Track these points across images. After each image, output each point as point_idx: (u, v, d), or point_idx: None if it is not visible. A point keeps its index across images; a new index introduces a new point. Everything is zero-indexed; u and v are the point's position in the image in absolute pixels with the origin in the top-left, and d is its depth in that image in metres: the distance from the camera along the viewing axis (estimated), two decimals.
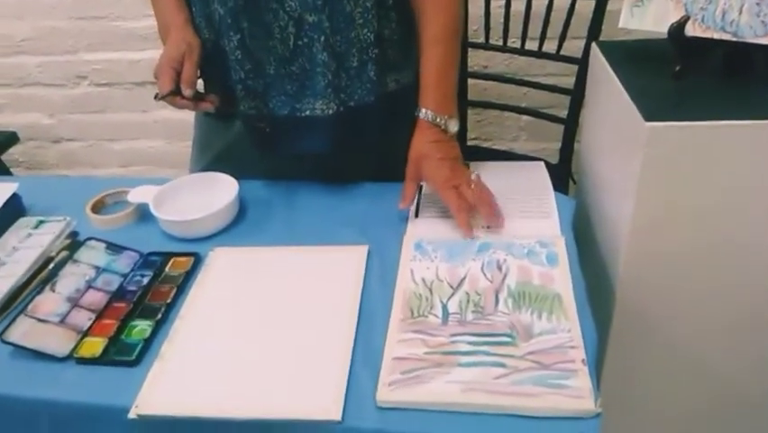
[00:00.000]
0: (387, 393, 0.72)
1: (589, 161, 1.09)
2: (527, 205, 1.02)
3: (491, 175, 1.10)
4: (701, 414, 0.95)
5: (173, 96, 0.98)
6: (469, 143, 1.88)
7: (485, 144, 2.02)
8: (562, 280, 0.86)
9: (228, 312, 0.86)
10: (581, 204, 1.02)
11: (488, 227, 0.95)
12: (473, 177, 0.97)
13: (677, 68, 0.88)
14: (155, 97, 0.98)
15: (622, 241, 0.88)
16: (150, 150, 2.09)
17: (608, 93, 0.94)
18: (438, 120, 0.97)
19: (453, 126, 0.98)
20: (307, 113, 1.02)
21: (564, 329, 0.79)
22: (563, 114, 1.65)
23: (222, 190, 1.04)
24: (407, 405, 0.71)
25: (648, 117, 0.80)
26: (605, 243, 0.96)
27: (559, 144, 1.86)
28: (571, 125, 1.60)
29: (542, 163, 1.17)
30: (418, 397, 0.71)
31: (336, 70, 0.99)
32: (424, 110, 0.98)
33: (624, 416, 0.92)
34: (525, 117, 1.94)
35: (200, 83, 1.04)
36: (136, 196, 1.04)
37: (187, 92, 0.97)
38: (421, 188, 1.08)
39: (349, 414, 0.71)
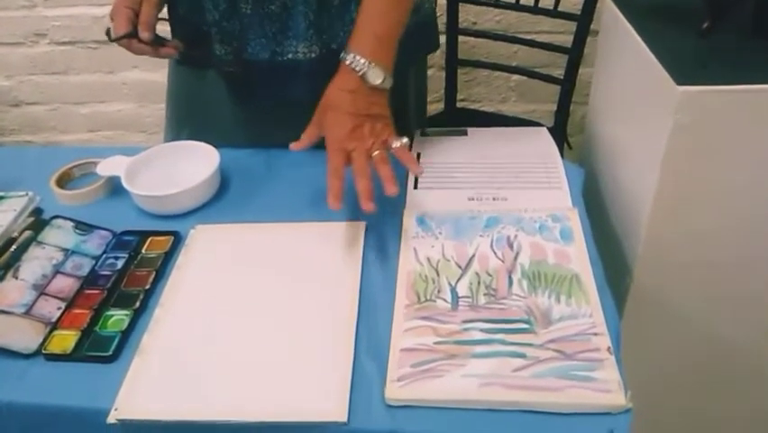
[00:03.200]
0: (396, 390, 0.65)
1: (599, 127, 1.02)
2: (534, 175, 0.95)
3: (491, 142, 1.03)
4: (717, 401, 0.91)
5: (129, 39, 0.87)
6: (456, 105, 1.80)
7: (472, 106, 1.93)
8: (579, 258, 0.79)
9: (214, 299, 0.78)
10: (589, 173, 0.95)
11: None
12: (397, 144, 0.82)
13: (705, 24, 0.81)
14: (108, 37, 0.88)
15: (643, 216, 0.82)
16: (120, 113, 1.96)
17: (626, 52, 0.86)
18: (357, 65, 0.81)
19: (375, 77, 0.81)
20: (289, 56, 0.92)
21: (585, 314, 0.72)
22: (557, 73, 1.57)
23: (201, 161, 0.95)
24: (419, 403, 0.65)
25: (680, 80, 0.73)
26: (621, 217, 0.90)
27: (550, 106, 1.79)
28: (567, 86, 1.52)
29: (544, 129, 1.09)
30: (431, 394, 0.65)
31: (318, 10, 0.89)
32: (348, 53, 0.82)
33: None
34: (515, 77, 1.85)
35: (166, 28, 0.94)
36: (106, 168, 0.94)
37: (144, 35, 0.87)
38: (419, 155, 1.01)
39: (355, 414, 0.64)
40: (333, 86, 0.83)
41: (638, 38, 0.82)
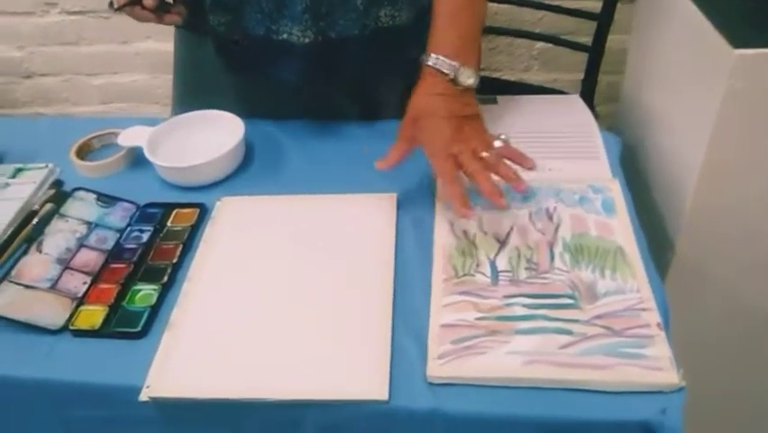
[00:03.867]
0: (438, 368, 0.63)
1: (638, 95, 0.97)
2: (570, 144, 0.91)
3: (522, 110, 0.99)
4: (762, 375, 0.88)
5: (132, 5, 0.84)
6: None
7: (494, 75, 1.88)
8: (622, 230, 0.76)
9: (243, 273, 0.75)
10: (627, 143, 0.92)
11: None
12: (498, 142, 0.78)
13: None
14: (110, 6, 0.84)
15: (688, 187, 0.78)
16: (134, 84, 1.92)
17: (673, 16, 0.81)
18: (447, 67, 0.76)
19: (467, 78, 0.77)
20: (284, 36, 0.87)
21: (632, 289, 0.69)
22: (584, 40, 1.52)
23: (225, 131, 0.91)
24: (462, 381, 0.62)
25: (736, 43, 0.68)
26: (662, 188, 0.86)
27: (573, 75, 1.74)
28: (595, 54, 1.47)
29: (577, 96, 1.05)
30: (474, 372, 0.62)
31: None
32: (431, 55, 0.77)
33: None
34: (538, 45, 1.80)
35: None
36: (127, 138, 0.91)
37: (147, 1, 0.83)
38: None
39: (396, 393, 0.62)
40: (421, 92, 0.78)
41: (688, 0, 0.77)
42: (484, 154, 0.75)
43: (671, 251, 0.84)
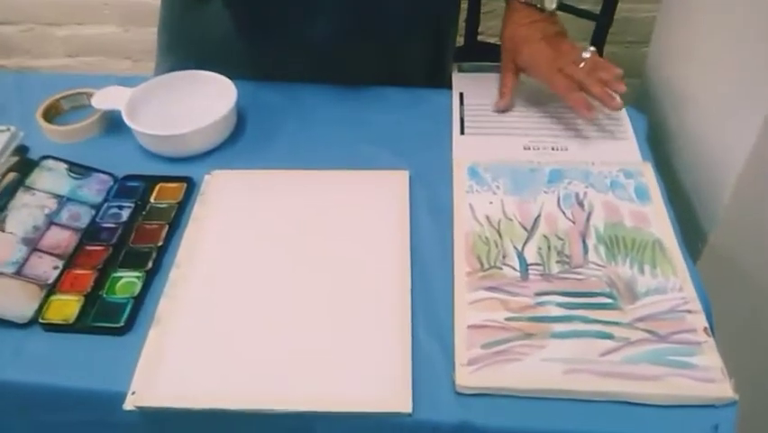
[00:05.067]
0: (468, 376, 0.56)
1: (667, 71, 0.90)
2: (596, 122, 0.83)
3: (528, 80, 0.90)
4: None
5: None
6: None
7: (491, 40, 1.79)
8: (658, 220, 0.70)
9: (239, 258, 0.67)
10: (652, 121, 0.84)
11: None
12: (586, 54, 0.80)
13: None
14: None
15: (730, 174, 0.72)
16: (102, 37, 1.77)
17: None
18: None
19: (550, 3, 0.82)
20: None
21: (675, 287, 0.63)
22: (590, 7, 1.44)
23: (213, 94, 0.81)
24: (495, 391, 0.55)
25: None
26: (696, 174, 0.79)
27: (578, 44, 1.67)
28: (604, 22, 1.39)
29: None
30: (509, 381, 0.55)
31: None
32: None
33: None
34: None
35: None
36: (103, 100, 0.81)
37: None
38: (462, 96, 0.88)
39: (420, 404, 0.54)
40: (513, 24, 0.84)
41: None
42: (581, 65, 0.79)
43: (702, 241, 0.77)
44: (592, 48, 0.81)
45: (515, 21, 0.83)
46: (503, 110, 0.84)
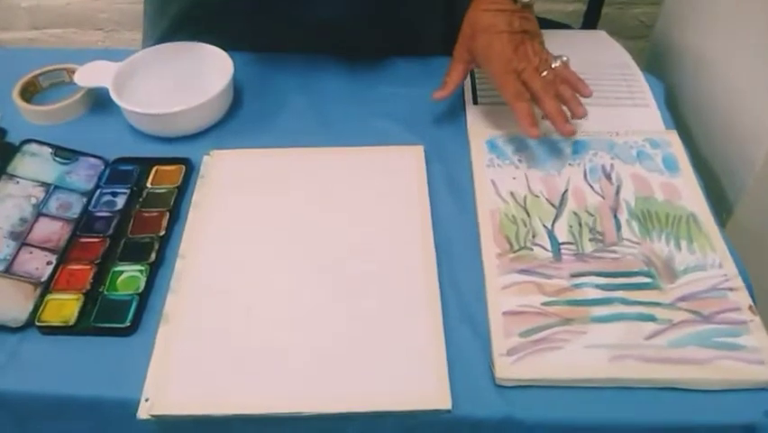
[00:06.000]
0: (508, 367, 0.52)
1: (684, 31, 0.86)
2: (613, 89, 0.79)
3: (550, 48, 0.85)
4: None
5: None
6: None
7: None
8: (690, 193, 0.66)
9: (249, 246, 0.62)
10: (668, 88, 0.81)
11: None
12: (557, 63, 0.70)
13: None
14: None
15: (762, 144, 0.68)
16: (69, 8, 1.66)
17: None
18: None
19: None
20: None
21: (714, 264, 0.60)
22: None
23: (208, 68, 0.75)
24: (538, 382, 0.52)
25: None
26: (721, 144, 0.76)
27: (563, 6, 1.62)
28: None
29: (604, 33, 0.93)
30: (552, 371, 0.52)
31: None
32: None
33: None
34: None
35: None
36: (86, 77, 0.74)
37: None
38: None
39: (459, 399, 0.51)
40: (478, 7, 0.71)
41: None
42: (544, 73, 0.68)
43: (726, 212, 0.75)
44: (564, 57, 0.71)
45: (483, 4, 0.71)
46: (438, 100, 0.72)
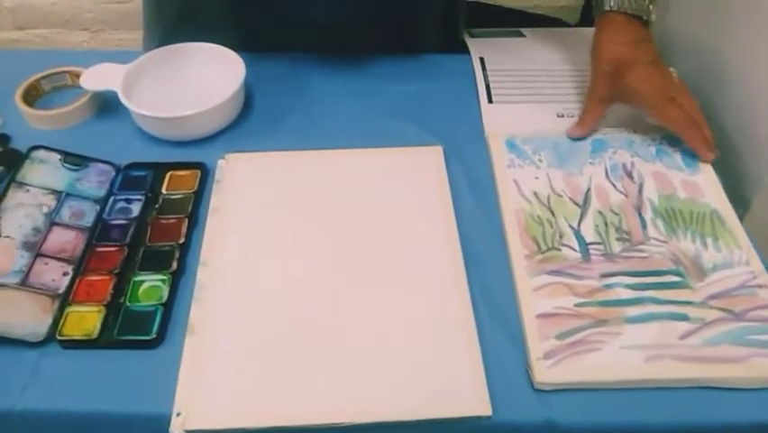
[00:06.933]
0: (546, 371, 0.51)
1: (692, 21, 0.85)
2: None
3: (557, 46, 0.85)
4: None
5: None
6: None
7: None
8: (712, 190, 0.66)
9: (271, 253, 0.60)
10: None
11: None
12: (676, 79, 0.70)
13: None
14: None
15: None
16: (54, 7, 1.62)
17: None
18: (640, 9, 0.68)
19: (653, 14, 0.69)
20: None
21: (741, 261, 0.60)
22: None
23: (216, 69, 0.74)
24: (577, 386, 0.51)
25: None
26: (735, 137, 0.76)
27: (561, 1, 1.63)
28: None
29: None
30: (591, 374, 0.51)
31: None
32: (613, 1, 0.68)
33: None
34: None
35: None
36: (93, 80, 0.71)
37: None
38: (482, 61, 0.82)
39: (499, 404, 0.50)
40: (612, 43, 0.68)
41: None
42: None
43: (742, 206, 0.75)
44: (673, 69, 0.70)
45: (613, 39, 0.68)
46: (575, 138, 0.71)
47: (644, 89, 0.67)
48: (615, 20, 0.68)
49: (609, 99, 0.70)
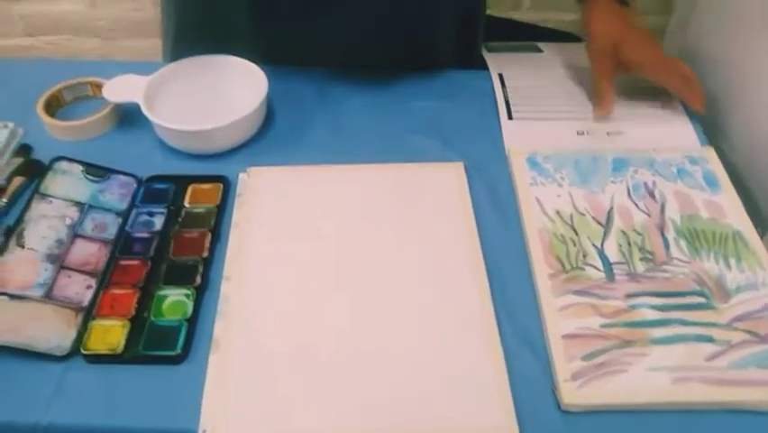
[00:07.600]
0: (574, 392, 0.51)
1: (717, 41, 0.85)
2: (645, 102, 0.79)
3: (576, 61, 0.85)
4: None
5: None
6: None
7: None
8: (733, 210, 0.66)
9: (295, 268, 0.60)
10: None
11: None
12: None
13: None
14: None
15: None
16: (65, 15, 1.63)
17: None
18: None
19: None
20: None
21: (765, 282, 0.60)
22: None
23: (237, 82, 0.74)
24: (604, 408, 0.51)
25: None
26: (754, 157, 0.76)
27: (566, 15, 1.63)
28: None
29: None
30: (618, 396, 0.51)
31: None
32: None
33: None
34: None
35: None
36: (116, 92, 0.71)
37: None
38: (501, 77, 0.83)
39: (525, 426, 0.50)
40: (602, 20, 0.77)
41: None
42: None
43: (763, 227, 0.75)
44: None
45: (605, 19, 0.76)
46: (603, 116, 0.76)
47: (640, 57, 0.75)
48: (600, 3, 0.77)
49: (612, 70, 0.76)
